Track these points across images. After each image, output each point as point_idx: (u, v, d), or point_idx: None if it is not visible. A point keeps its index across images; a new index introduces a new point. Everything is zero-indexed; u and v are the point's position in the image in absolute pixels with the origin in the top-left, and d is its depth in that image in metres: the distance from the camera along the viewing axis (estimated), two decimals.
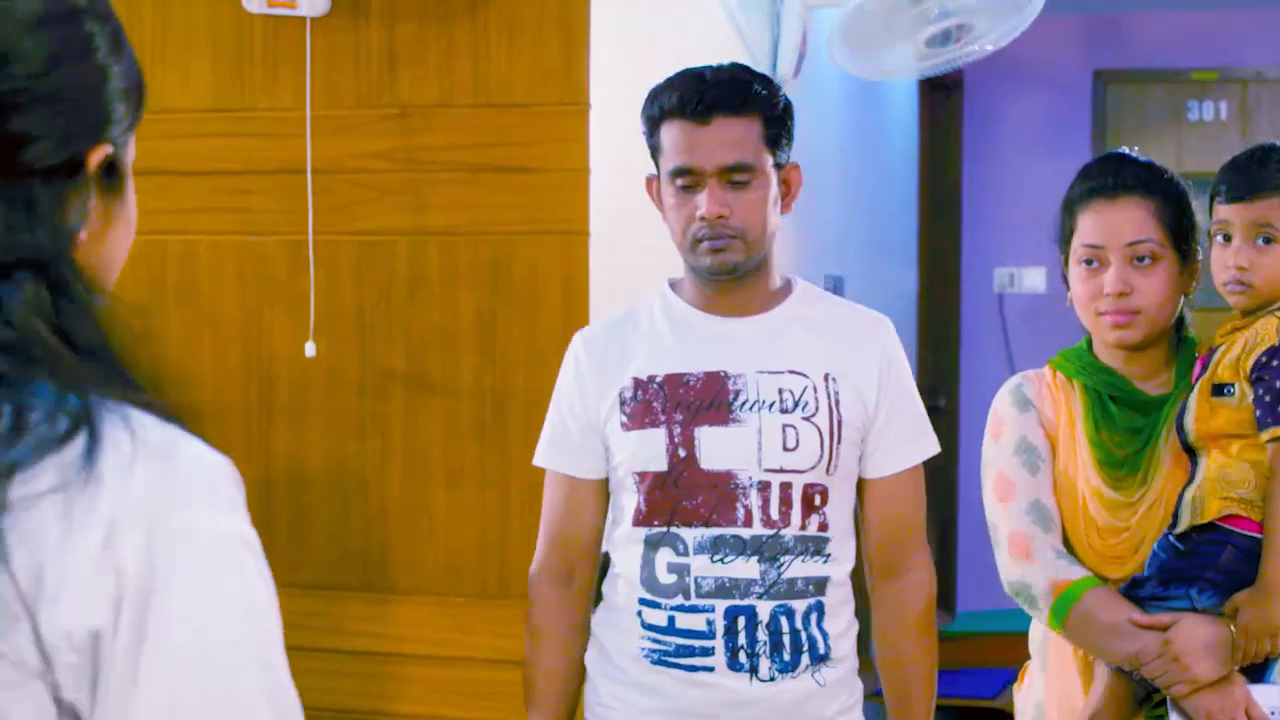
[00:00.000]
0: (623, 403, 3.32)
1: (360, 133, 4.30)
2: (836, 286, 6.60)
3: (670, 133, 3.26)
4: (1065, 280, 3.44)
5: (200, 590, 1.38)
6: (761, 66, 5.35)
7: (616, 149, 4.23)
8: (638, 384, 3.32)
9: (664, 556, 3.28)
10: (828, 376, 3.29)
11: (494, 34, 4.20)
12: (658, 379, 3.30)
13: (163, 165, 4.41)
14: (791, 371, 3.29)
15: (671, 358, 3.32)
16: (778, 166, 3.30)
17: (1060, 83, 9.38)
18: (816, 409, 3.27)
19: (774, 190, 3.28)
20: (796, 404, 3.26)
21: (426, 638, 4.30)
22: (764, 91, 3.27)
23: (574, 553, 3.43)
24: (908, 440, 3.37)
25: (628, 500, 3.32)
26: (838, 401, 3.28)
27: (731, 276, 3.28)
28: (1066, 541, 3.33)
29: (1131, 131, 9.25)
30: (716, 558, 3.23)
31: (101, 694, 1.34)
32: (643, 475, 3.29)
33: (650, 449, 3.27)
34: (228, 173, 4.42)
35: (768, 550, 3.24)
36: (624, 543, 3.34)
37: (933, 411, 7.24)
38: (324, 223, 4.32)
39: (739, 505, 3.23)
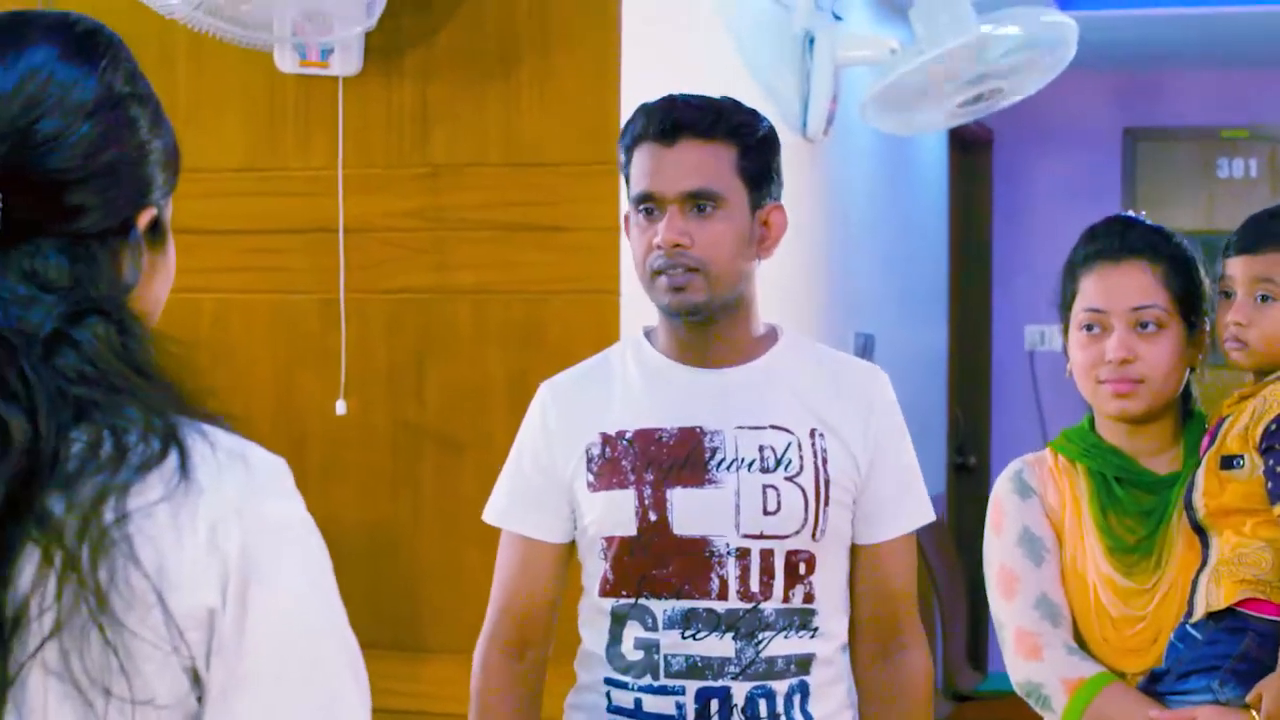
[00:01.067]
0: (590, 460, 3.02)
1: (392, 192, 4.32)
2: (867, 344, 6.60)
3: (638, 158, 3.00)
4: (1065, 350, 3.26)
5: (286, 567, 1.70)
6: (791, 125, 5.37)
7: None
8: (606, 440, 3.02)
9: (631, 631, 2.98)
10: (814, 432, 3.00)
11: (526, 93, 4.22)
12: (628, 435, 3.01)
13: (196, 224, 4.43)
14: (774, 427, 2.99)
15: (643, 412, 3.03)
16: (756, 205, 3.00)
17: (1090, 140, 9.39)
18: (801, 468, 2.97)
19: (746, 227, 2.98)
20: (779, 462, 2.97)
21: (459, 696, 4.27)
22: (741, 119, 3.01)
23: (529, 625, 3.13)
24: (900, 504, 3.09)
25: (594, 567, 3.03)
26: (825, 459, 2.99)
27: (696, 319, 2.98)
28: (1078, 636, 3.14)
29: (1162, 189, 9.26)
30: (688, 633, 2.93)
31: (215, 661, 1.63)
32: (610, 540, 2.99)
33: (618, 512, 2.97)
34: (260, 231, 4.44)
35: (744, 626, 2.93)
36: (591, 615, 3.06)
37: (963, 470, 7.17)
38: (356, 281, 4.34)
39: (713, 575, 2.93)
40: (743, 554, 2.94)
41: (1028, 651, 3.11)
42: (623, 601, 2.99)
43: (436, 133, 4.30)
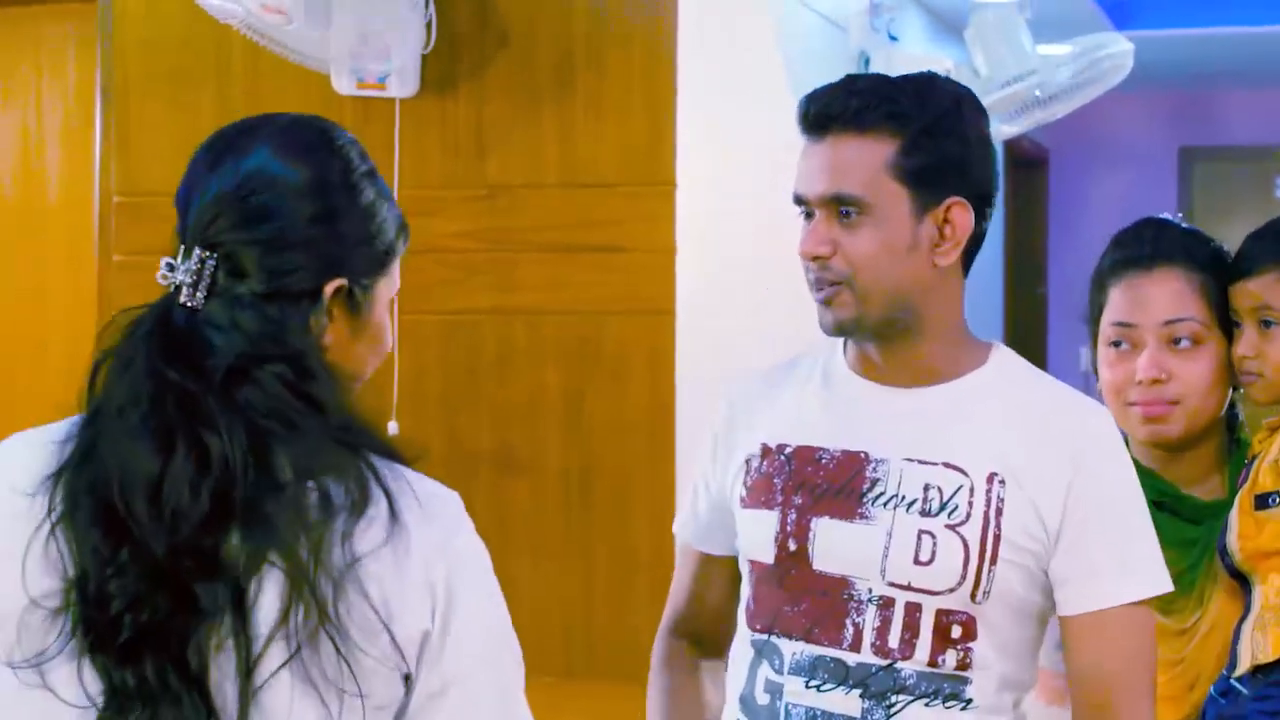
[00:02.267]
0: (747, 472, 2.68)
1: (448, 213, 4.33)
2: None
3: (801, 148, 2.64)
4: (1095, 367, 2.96)
5: (478, 591, 2.02)
6: None
7: (703, 228, 4.24)
8: (765, 452, 2.66)
9: (763, 671, 2.62)
10: (993, 477, 2.52)
11: (581, 115, 4.23)
12: (788, 449, 2.64)
13: None
14: (947, 465, 2.54)
15: (810, 426, 2.65)
16: (925, 205, 2.54)
17: (1146, 159, 9.37)
18: (968, 517, 2.51)
19: (905, 233, 2.54)
20: (943, 506, 2.53)
21: None
22: (902, 106, 2.54)
23: (699, 624, 2.87)
24: (1112, 571, 2.53)
25: (744, 591, 2.71)
26: (999, 511, 2.51)
27: (855, 337, 2.63)
28: None
29: (1218, 208, 9.23)
30: (812, 683, 2.56)
31: (424, 669, 1.96)
32: (753, 565, 2.66)
33: (760, 534, 2.63)
34: None
35: (875, 685, 2.52)
36: (738, 643, 2.71)
37: None
38: (411, 302, 4.34)
39: (848, 622, 2.55)
40: (886, 604, 2.53)
41: (1050, 696, 2.79)
42: (759, 636, 2.64)
43: (493, 154, 4.30)
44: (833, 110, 2.54)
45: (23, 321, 5.34)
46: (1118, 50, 4.97)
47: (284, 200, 2.04)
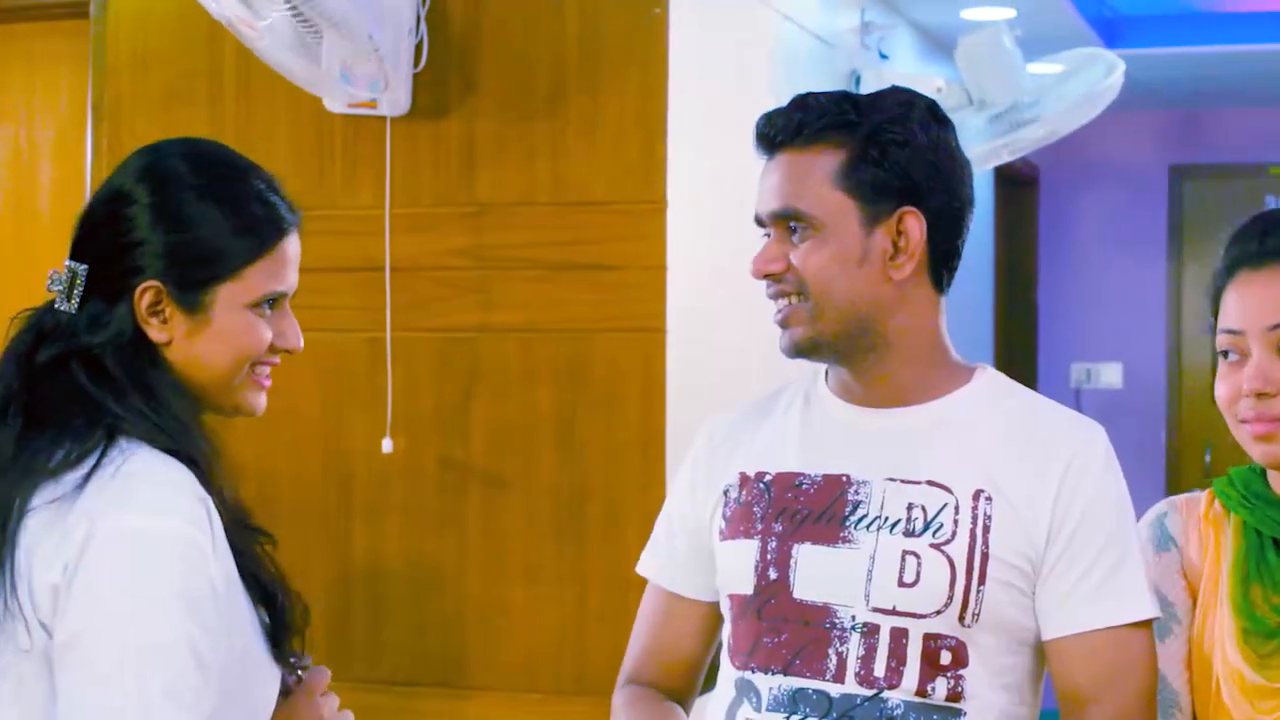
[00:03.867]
0: (726, 503, 2.58)
1: (439, 231, 4.34)
2: None
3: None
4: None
5: (110, 568, 2.09)
6: None
7: (694, 247, 4.25)
8: (744, 482, 2.57)
9: (742, 712, 2.49)
10: (979, 495, 2.42)
11: (572, 133, 4.23)
12: (767, 477, 2.54)
13: None
14: (931, 483, 2.45)
15: (790, 452, 2.56)
16: (877, 217, 2.46)
17: (1137, 178, 9.38)
18: (954, 535, 2.40)
19: (856, 246, 2.45)
20: (927, 525, 2.42)
21: None
22: (847, 116, 2.47)
23: (668, 672, 2.70)
24: (1097, 592, 2.41)
25: (726, 629, 2.59)
26: (987, 528, 2.41)
27: (818, 359, 2.54)
28: None
29: (1209, 227, 9.23)
30: (793, 718, 2.43)
31: (57, 621, 2.09)
32: (733, 599, 2.54)
33: (739, 564, 2.52)
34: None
35: (860, 717, 2.39)
36: (721, 683, 2.58)
37: None
38: (402, 320, 4.35)
39: (830, 652, 2.42)
40: (870, 630, 2.41)
41: None
42: (738, 674, 2.50)
43: (483, 172, 4.31)
44: (780, 127, 2.51)
45: None
46: (1113, 79, 4.98)
47: (95, 213, 2.29)
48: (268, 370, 2.40)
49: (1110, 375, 9.19)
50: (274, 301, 2.36)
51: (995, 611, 2.41)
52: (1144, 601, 2.44)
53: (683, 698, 2.69)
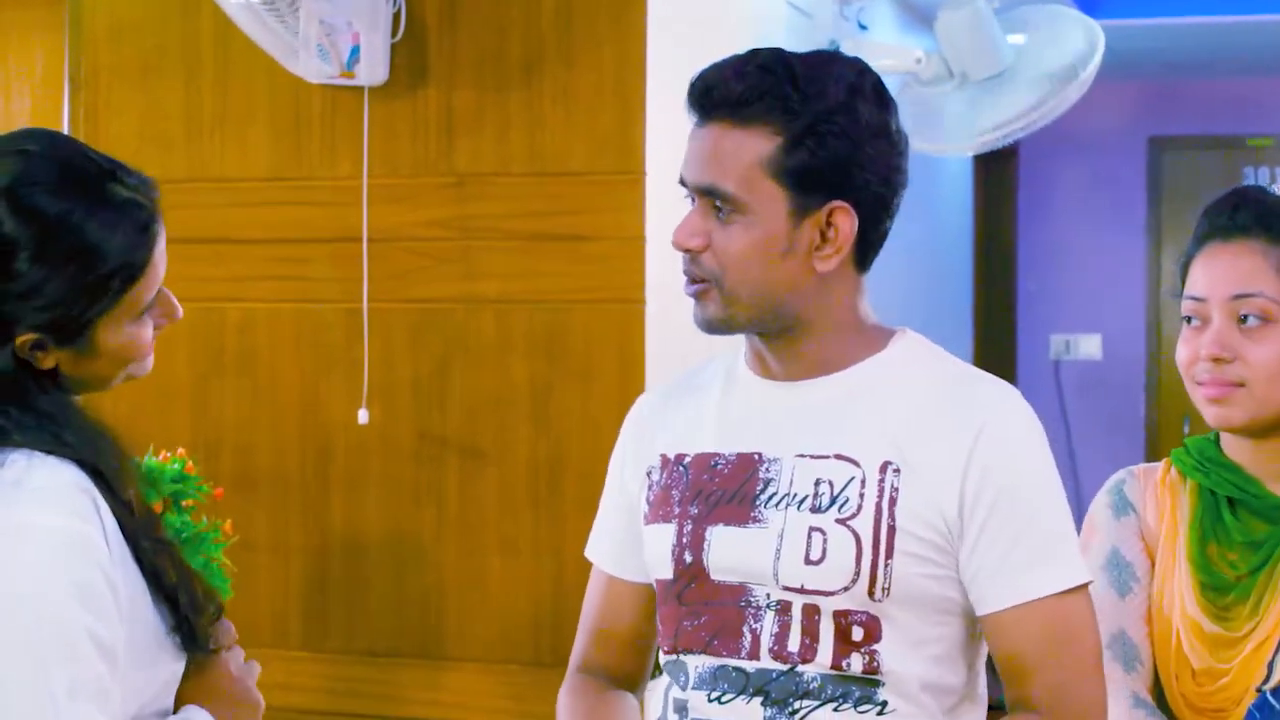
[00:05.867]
0: (649, 486, 2.53)
1: (416, 201, 4.33)
2: None
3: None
4: None
5: (5, 557, 2.06)
6: None
7: (673, 217, 4.22)
8: (665, 464, 2.52)
9: (672, 692, 2.47)
10: (887, 466, 2.35)
11: (550, 104, 4.22)
12: (686, 459, 2.48)
13: (221, 234, 4.45)
14: (839, 456, 2.37)
15: (708, 433, 2.49)
16: (805, 209, 2.35)
17: (1115, 149, 9.38)
18: (859, 509, 2.34)
19: (780, 236, 2.36)
20: (833, 501, 2.35)
21: (481, 705, 4.29)
22: (789, 100, 2.34)
23: (611, 656, 2.66)
24: (1024, 562, 2.34)
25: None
26: (893, 501, 2.34)
27: (728, 334, 2.46)
28: (1157, 685, 2.61)
29: (1187, 198, 9.23)
30: (714, 695, 2.41)
31: None
32: (658, 583, 2.50)
33: (659, 549, 2.47)
34: (285, 241, 4.45)
35: (776, 691, 2.37)
36: (661, 665, 2.56)
37: None
38: (380, 291, 4.34)
39: (745, 630, 2.39)
40: (783, 609, 2.37)
41: None
42: (667, 657, 2.48)
43: (461, 143, 4.30)
44: (717, 95, 2.37)
45: None
46: (1089, 38, 4.96)
47: None
48: (160, 328, 2.33)
49: (1089, 346, 9.19)
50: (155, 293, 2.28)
51: (907, 585, 2.34)
52: (1075, 567, 2.36)
53: (634, 679, 2.65)
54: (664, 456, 2.52)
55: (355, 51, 4.19)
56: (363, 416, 4.30)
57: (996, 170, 9.19)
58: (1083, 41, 5.02)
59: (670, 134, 4.23)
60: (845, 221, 2.36)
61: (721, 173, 2.35)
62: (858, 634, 2.34)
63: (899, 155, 2.44)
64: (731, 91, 2.35)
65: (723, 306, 2.39)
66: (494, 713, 4.27)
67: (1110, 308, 9.29)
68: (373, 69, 4.24)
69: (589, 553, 2.70)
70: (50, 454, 2.14)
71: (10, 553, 2.07)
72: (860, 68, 2.41)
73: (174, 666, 2.25)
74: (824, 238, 2.37)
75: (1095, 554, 2.67)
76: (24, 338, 2.17)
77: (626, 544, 2.59)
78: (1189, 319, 2.61)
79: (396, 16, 4.26)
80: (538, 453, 4.23)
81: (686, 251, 2.41)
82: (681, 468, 2.48)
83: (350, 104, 4.36)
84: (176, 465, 3.80)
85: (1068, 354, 9.20)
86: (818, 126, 2.33)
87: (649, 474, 2.53)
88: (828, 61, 2.40)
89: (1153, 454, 8.93)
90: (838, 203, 2.35)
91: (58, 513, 2.09)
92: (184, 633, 2.23)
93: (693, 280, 2.42)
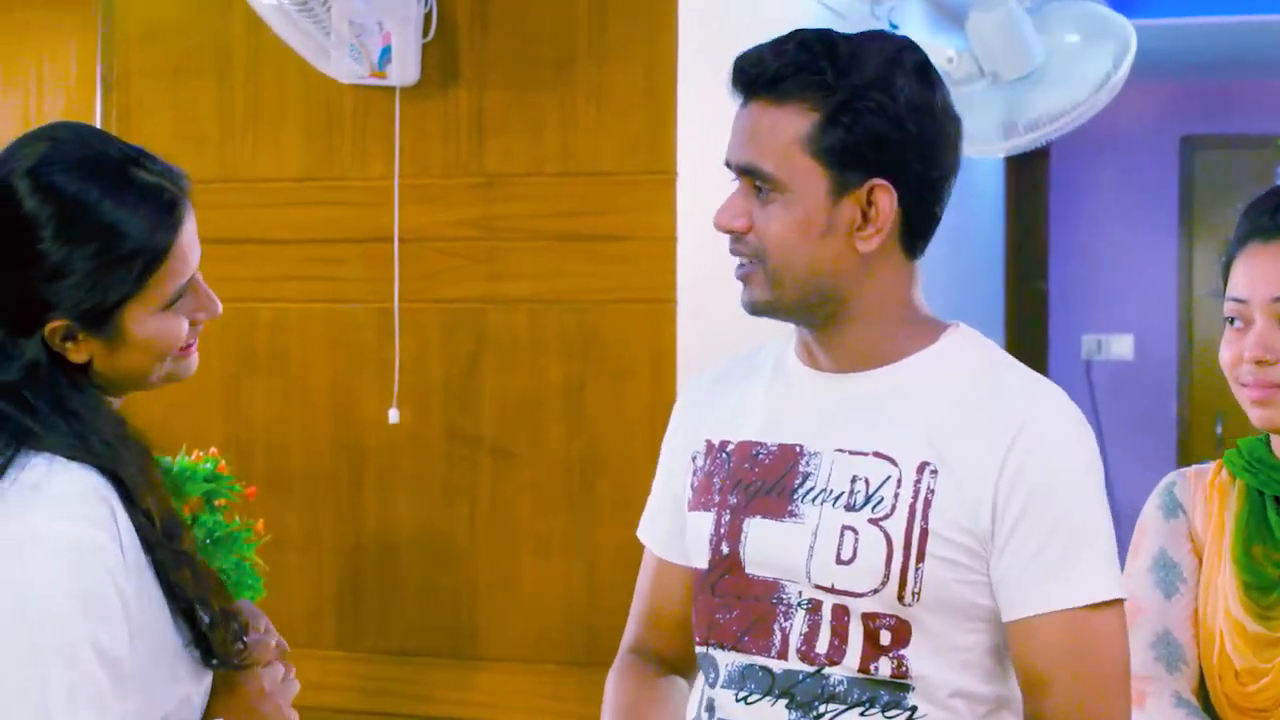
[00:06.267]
0: (693, 472, 2.51)
1: (448, 201, 4.33)
2: None
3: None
4: None
5: (3, 571, 2.06)
6: None
7: (704, 217, 4.22)
8: (709, 450, 2.49)
9: (704, 688, 2.45)
10: (924, 467, 2.29)
11: (581, 104, 4.22)
12: (730, 446, 2.46)
13: (253, 234, 4.46)
14: (877, 454, 2.32)
15: (753, 420, 2.46)
16: (844, 187, 2.31)
17: (1147, 149, 9.36)
18: (893, 510, 2.29)
19: (820, 215, 2.31)
20: (868, 500, 2.31)
21: (514, 704, 4.29)
22: (825, 77, 2.29)
23: (662, 640, 2.63)
24: (1046, 573, 2.26)
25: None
26: (928, 503, 2.28)
27: (775, 319, 2.42)
28: (1204, 685, 2.60)
29: (1219, 198, 9.19)
30: (741, 695, 2.37)
31: None
32: (695, 572, 2.48)
33: (698, 538, 2.45)
34: (317, 241, 4.45)
35: (801, 693, 2.32)
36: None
37: None
38: (411, 291, 4.35)
39: (775, 628, 2.35)
40: (814, 607, 2.32)
41: (1133, 697, 2.42)
42: (700, 649, 2.46)
43: (492, 143, 4.30)
44: (754, 74, 2.34)
45: None
46: (1121, 35, 4.94)
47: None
48: (193, 335, 2.34)
49: (1121, 346, 9.18)
50: (187, 283, 2.27)
51: (938, 590, 2.28)
52: (1103, 582, 2.27)
53: (685, 662, 2.59)
54: (709, 442, 2.49)
55: (387, 52, 4.19)
56: (393, 416, 4.30)
57: (1028, 170, 9.17)
58: (1115, 42, 5.00)
59: (702, 134, 4.23)
60: (885, 200, 2.31)
61: (760, 151, 2.32)
62: (886, 638, 2.29)
63: (944, 135, 2.37)
64: (768, 69, 2.32)
65: (767, 288, 2.35)
66: (527, 712, 4.27)
67: (1142, 308, 9.27)
68: (404, 69, 4.25)
69: (640, 533, 2.68)
70: (72, 459, 2.14)
71: (18, 558, 2.08)
72: (903, 44, 2.36)
73: (197, 682, 2.24)
74: (865, 217, 2.32)
75: (1144, 555, 2.67)
76: (53, 324, 2.18)
77: (674, 527, 2.55)
78: (1231, 320, 2.59)
79: (428, 17, 4.27)
80: (570, 452, 4.23)
81: (730, 232, 2.37)
82: (724, 455, 2.45)
83: (382, 104, 4.36)
84: (209, 465, 3.81)
85: (1099, 354, 9.19)
86: (854, 102, 2.28)
87: (694, 459, 2.51)
88: (870, 38, 2.35)
89: (1184, 454, 8.90)
90: (878, 180, 2.31)
91: (71, 519, 2.09)
92: (203, 647, 2.22)
93: (745, 260, 2.37)
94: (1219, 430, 8.90)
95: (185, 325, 2.27)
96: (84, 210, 2.16)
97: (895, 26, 5.59)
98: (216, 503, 3.80)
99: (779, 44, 2.35)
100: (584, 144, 4.23)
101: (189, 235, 2.24)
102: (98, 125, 4.63)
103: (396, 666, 4.33)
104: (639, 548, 4.23)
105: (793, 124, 2.30)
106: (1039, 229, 9.37)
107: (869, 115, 2.28)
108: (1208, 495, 2.67)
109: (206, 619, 2.22)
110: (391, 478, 4.39)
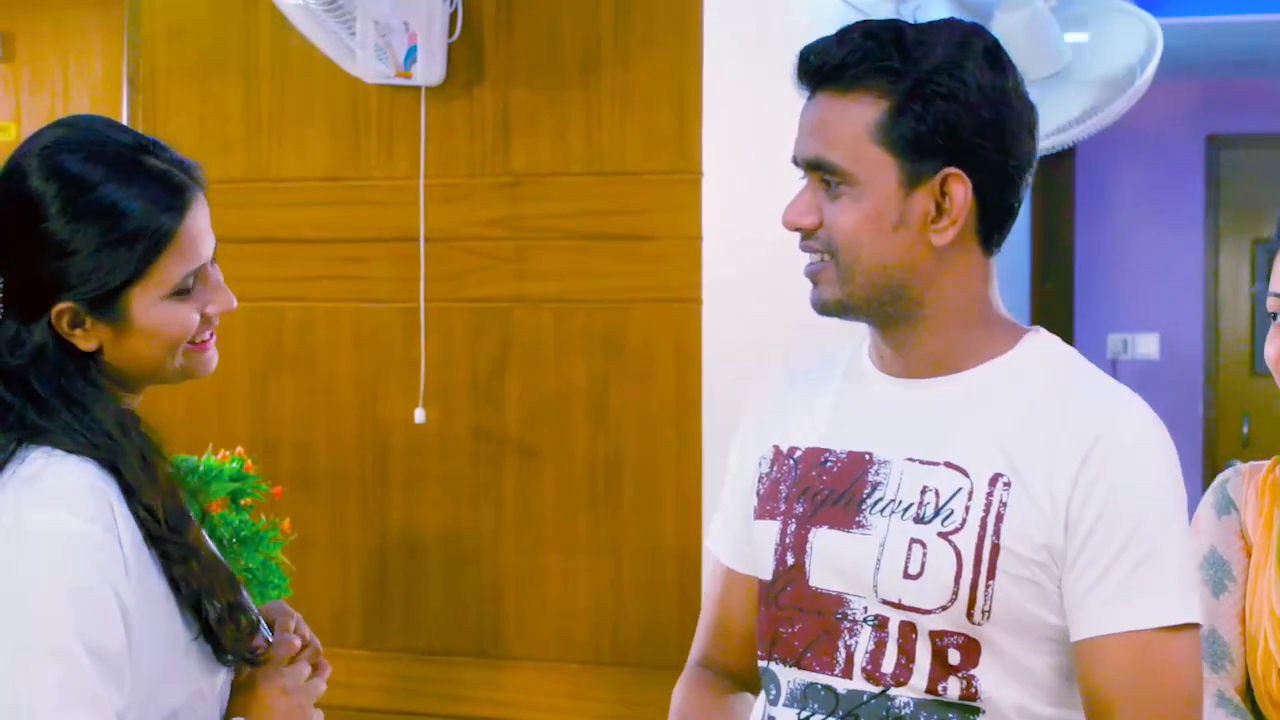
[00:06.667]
0: (760, 479, 2.41)
1: (474, 201, 4.33)
2: None
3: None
4: None
5: (6, 557, 2.08)
6: None
7: (729, 216, 4.23)
8: (776, 456, 2.39)
9: (764, 705, 2.36)
10: (998, 479, 2.19)
11: (607, 103, 4.22)
12: (797, 452, 2.36)
13: (279, 233, 4.46)
14: (948, 464, 2.22)
15: (822, 425, 2.36)
16: (917, 177, 2.21)
17: (1173, 148, 9.34)
18: (963, 523, 2.18)
19: (893, 207, 2.22)
20: (937, 512, 2.20)
21: (539, 704, 4.30)
22: (897, 58, 2.20)
23: (738, 647, 2.49)
24: (1116, 593, 2.15)
25: None
26: (1000, 517, 2.17)
27: (846, 319, 2.32)
28: (1249, 686, 2.57)
29: (1245, 196, 9.18)
30: (803, 715, 2.27)
31: None
32: (760, 583, 2.38)
33: (763, 548, 2.35)
34: (343, 240, 4.46)
35: (866, 715, 2.22)
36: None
37: None
38: (437, 290, 4.35)
39: (840, 644, 2.25)
40: (880, 624, 2.22)
41: None
42: (761, 664, 2.36)
43: (518, 142, 4.30)
44: (819, 64, 2.24)
45: None
46: (1148, 37, 4.93)
47: (2, 225, 2.21)
48: (209, 331, 2.32)
49: (1147, 346, 9.16)
50: (196, 274, 2.27)
51: (1009, 608, 2.17)
52: (1175, 604, 2.16)
53: (755, 677, 2.43)
54: (776, 448, 2.40)
55: (412, 52, 4.19)
56: (419, 416, 4.31)
57: (1054, 169, 9.15)
58: (1142, 41, 4.99)
59: (726, 134, 4.23)
60: (960, 189, 2.22)
61: (827, 144, 2.23)
62: (955, 657, 2.19)
63: (1019, 121, 2.28)
64: (833, 58, 2.22)
65: (838, 285, 2.26)
66: (552, 711, 4.27)
67: (1168, 307, 9.26)
68: (429, 69, 4.25)
69: (709, 542, 2.57)
70: (71, 453, 2.15)
71: (8, 554, 2.08)
72: (972, 29, 2.28)
73: (209, 676, 2.23)
74: (939, 209, 2.22)
75: (1195, 553, 2.60)
76: (60, 308, 2.19)
77: (742, 535, 2.44)
78: (1274, 316, 2.55)
79: (453, 17, 4.27)
80: (595, 451, 4.24)
81: (798, 229, 2.28)
82: (791, 461, 2.36)
83: (407, 104, 4.37)
84: (235, 464, 3.82)
85: (1125, 353, 9.17)
86: (923, 88, 2.19)
87: (760, 464, 2.41)
88: (937, 25, 2.27)
89: (1211, 453, 8.89)
90: (951, 169, 2.21)
91: (64, 513, 2.10)
92: (212, 641, 2.22)
93: (815, 255, 2.28)
94: (1245, 430, 8.89)
95: (195, 316, 2.26)
96: (87, 189, 2.18)
97: None
98: (242, 502, 3.80)
99: (844, 33, 2.25)
100: (609, 143, 4.23)
101: (197, 222, 2.24)
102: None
103: (422, 666, 4.34)
104: (664, 547, 4.24)
105: (861, 113, 2.21)
106: (1065, 228, 9.36)
107: (939, 101, 2.19)
108: (1260, 492, 2.62)
109: (213, 613, 2.21)
110: (417, 477, 4.39)
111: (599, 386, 4.23)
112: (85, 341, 2.22)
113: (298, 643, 2.36)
